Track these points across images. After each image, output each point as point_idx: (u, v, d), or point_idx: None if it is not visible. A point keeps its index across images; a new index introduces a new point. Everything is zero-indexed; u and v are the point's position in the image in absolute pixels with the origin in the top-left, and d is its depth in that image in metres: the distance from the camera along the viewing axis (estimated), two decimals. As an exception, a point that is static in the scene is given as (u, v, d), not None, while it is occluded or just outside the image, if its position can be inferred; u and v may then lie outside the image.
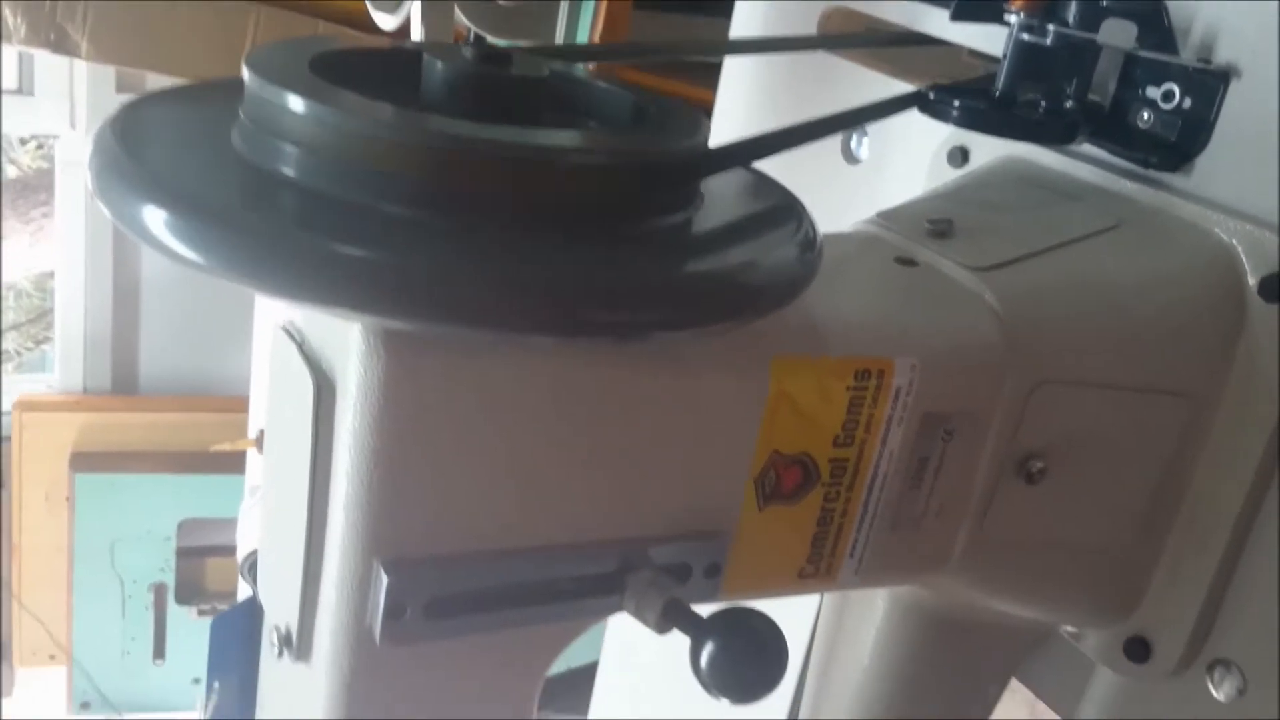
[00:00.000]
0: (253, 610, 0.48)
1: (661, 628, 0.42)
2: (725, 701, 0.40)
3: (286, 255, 0.32)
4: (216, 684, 0.47)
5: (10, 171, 2.98)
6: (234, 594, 2.43)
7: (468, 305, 0.33)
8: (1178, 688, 0.56)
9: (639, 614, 0.43)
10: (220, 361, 2.46)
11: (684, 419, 0.43)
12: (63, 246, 2.48)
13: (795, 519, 0.47)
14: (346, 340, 0.38)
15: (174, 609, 2.38)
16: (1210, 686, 0.55)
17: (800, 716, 0.66)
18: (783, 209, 0.44)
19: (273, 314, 0.43)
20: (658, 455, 0.43)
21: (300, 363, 0.40)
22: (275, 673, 0.48)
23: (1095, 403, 0.50)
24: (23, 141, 3.02)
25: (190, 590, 2.41)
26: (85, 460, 2.26)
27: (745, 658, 0.40)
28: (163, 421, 2.35)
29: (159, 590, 2.36)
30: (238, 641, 0.47)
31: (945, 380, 0.47)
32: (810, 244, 0.42)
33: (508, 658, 0.44)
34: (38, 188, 2.91)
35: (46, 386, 2.46)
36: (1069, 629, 0.59)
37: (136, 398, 2.45)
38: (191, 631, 2.38)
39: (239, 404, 2.13)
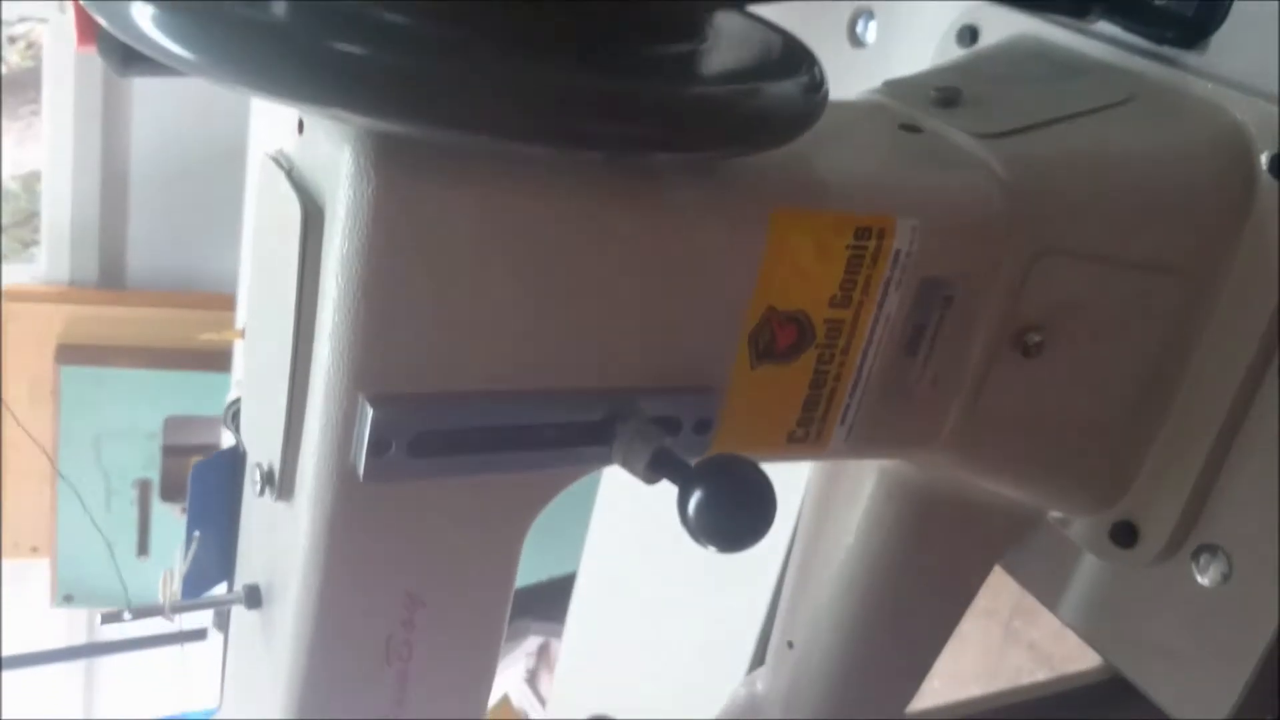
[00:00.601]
0: (235, 459, 0.47)
1: (649, 477, 0.41)
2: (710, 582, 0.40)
3: (282, 48, 0.31)
4: (197, 533, 0.47)
5: (-1, 70, 2.93)
6: (218, 493, 2.44)
7: (457, 105, 0.32)
8: (1162, 574, 0.56)
9: (627, 463, 0.42)
10: (209, 258, 2.44)
11: (681, 265, 0.42)
12: (51, 132, 2.44)
13: (788, 380, 0.46)
14: (337, 164, 0.36)
15: (158, 506, 2.39)
16: (1195, 572, 0.54)
17: (783, 599, 0.66)
18: (793, 54, 0.43)
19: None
20: (652, 301, 0.42)
21: (288, 188, 0.39)
22: (257, 514, 0.48)
23: (1097, 276, 0.50)
24: (11, 40, 2.97)
25: (175, 488, 2.41)
26: (71, 353, 2.24)
27: (733, 503, 0.39)
28: (150, 316, 2.33)
29: (143, 487, 2.36)
30: (219, 490, 0.47)
31: (946, 244, 0.46)
32: (816, 86, 0.40)
33: (493, 505, 0.44)
34: (25, 85, 2.86)
35: (31, 277, 2.44)
36: (1055, 515, 0.59)
37: (124, 292, 2.43)
38: (175, 529, 2.39)
39: (227, 301, 2.12)
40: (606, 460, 0.43)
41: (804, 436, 0.48)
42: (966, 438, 0.51)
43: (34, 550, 2.41)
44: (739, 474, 0.39)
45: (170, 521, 2.39)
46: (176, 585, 0.48)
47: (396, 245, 0.37)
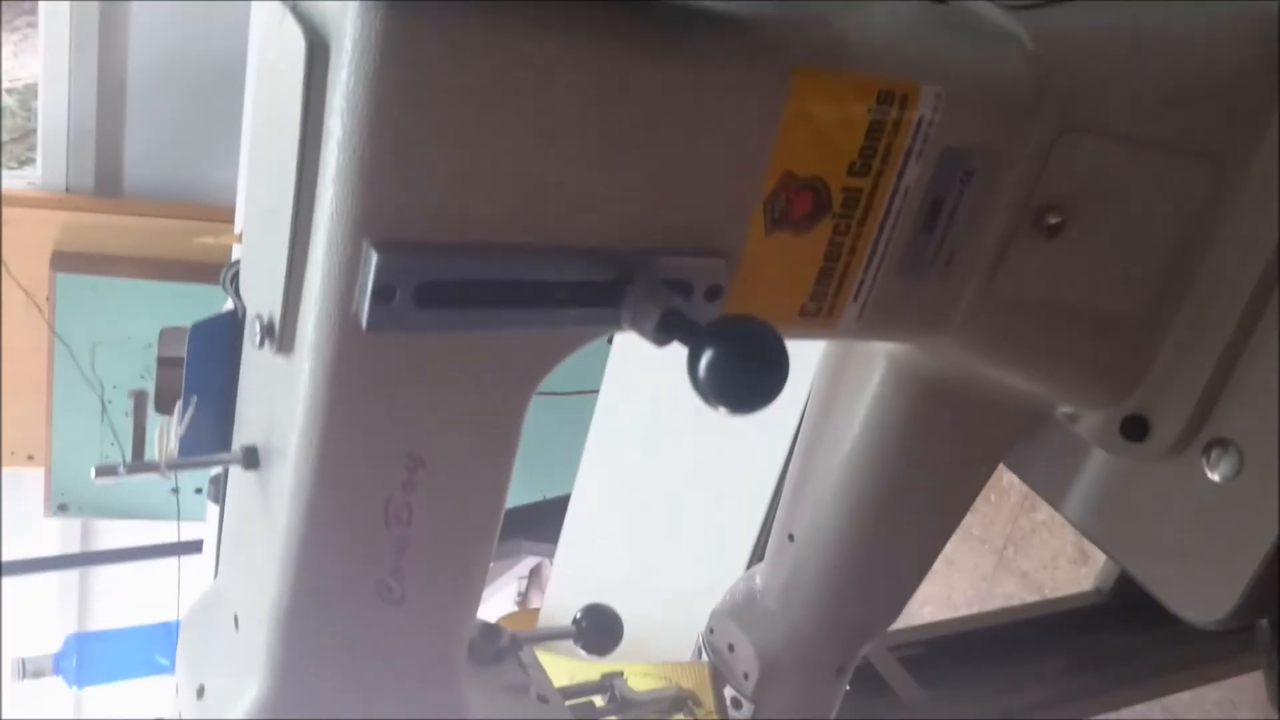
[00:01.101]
0: (234, 323, 0.46)
1: (659, 339, 0.40)
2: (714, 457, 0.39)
3: None
4: (194, 397, 0.46)
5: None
6: (214, 406, 2.42)
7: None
8: (1172, 469, 0.55)
9: (636, 324, 0.41)
10: (207, 170, 2.41)
11: (698, 121, 0.40)
12: (47, 43, 2.40)
13: (802, 249, 0.45)
14: (344, -6, 0.35)
15: (153, 418, 2.38)
16: (1205, 467, 0.54)
17: (785, 492, 0.65)
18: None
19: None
20: (667, 158, 0.41)
21: (293, 23, 0.37)
22: (255, 372, 0.47)
23: (1121, 157, 0.48)
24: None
25: (170, 400, 2.38)
26: (67, 260, 2.22)
27: (746, 361, 0.38)
28: (147, 226, 2.30)
29: (138, 398, 2.35)
30: (217, 353, 0.45)
31: (970, 114, 0.45)
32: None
33: (498, 365, 0.43)
34: (21, -3, 2.82)
35: (28, 183, 2.41)
36: (1065, 410, 0.58)
37: (120, 200, 2.40)
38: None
39: (225, 213, 2.09)
40: (615, 323, 0.42)
41: (816, 311, 0.47)
42: (980, 322, 0.50)
43: (30, 459, 2.40)
44: (752, 331, 0.38)
45: (165, 433, 2.39)
46: (173, 444, 0.47)
47: (405, 81, 0.36)
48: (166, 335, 2.33)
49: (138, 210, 2.35)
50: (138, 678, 2.04)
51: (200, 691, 0.52)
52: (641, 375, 1.37)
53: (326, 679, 0.49)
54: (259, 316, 0.42)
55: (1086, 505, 0.60)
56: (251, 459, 0.46)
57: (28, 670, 1.98)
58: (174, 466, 0.47)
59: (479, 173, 0.38)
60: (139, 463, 0.46)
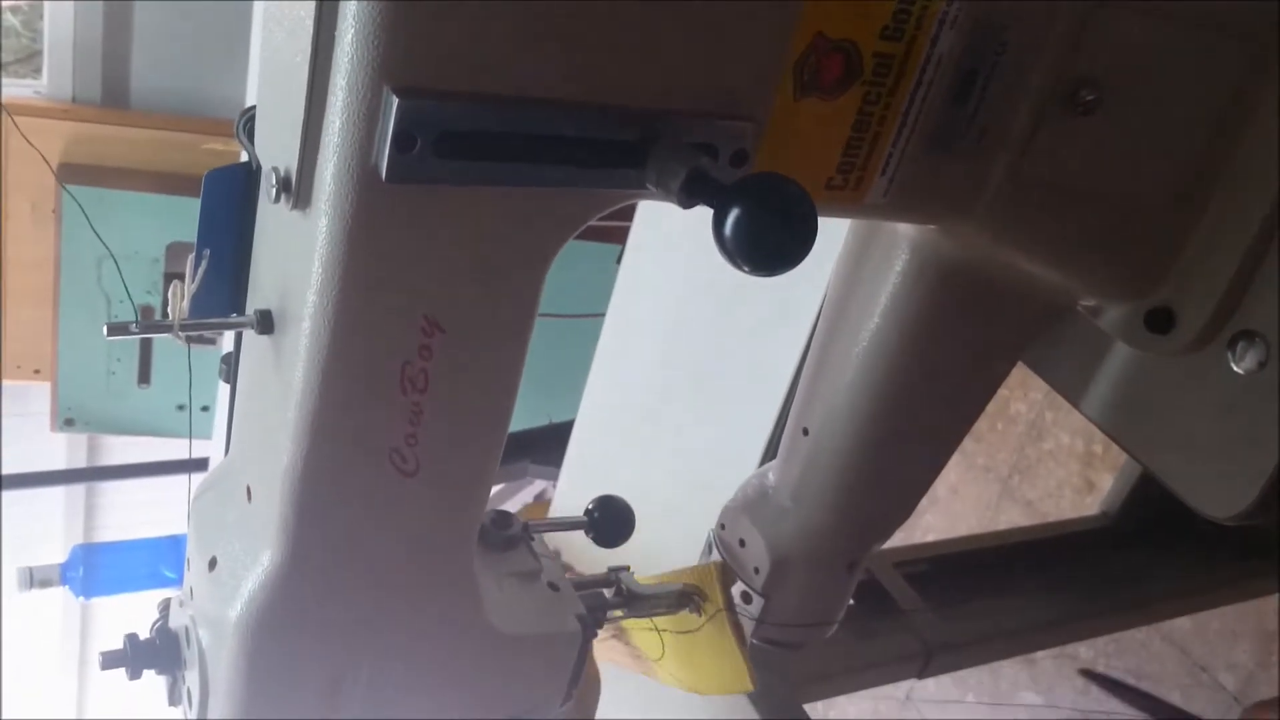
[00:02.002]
0: (248, 175, 0.45)
1: (684, 200, 0.39)
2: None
3: None
4: (206, 251, 0.45)
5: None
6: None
7: None
8: (1196, 362, 0.54)
9: (661, 184, 0.40)
10: (215, 83, 2.38)
11: (727, -27, 0.39)
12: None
13: (831, 117, 0.44)
14: None
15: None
16: (1230, 360, 0.53)
17: (800, 386, 0.65)
18: None
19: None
20: (694, 12, 0.39)
21: None
22: (271, 230, 0.46)
23: (1158, 33, 0.47)
24: None
25: (177, 316, 2.38)
26: (73, 172, 2.20)
27: (775, 218, 0.37)
28: (154, 139, 2.28)
29: (145, 313, 2.34)
30: (231, 205, 0.44)
31: (1007, -20, 0.44)
32: None
33: (518, 226, 0.42)
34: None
35: (34, 92, 2.38)
36: (1087, 303, 0.57)
37: (128, 112, 2.38)
38: (177, 358, 2.38)
39: (232, 127, 2.07)
40: (639, 184, 0.41)
41: (843, 184, 0.46)
42: (1008, 204, 0.49)
43: (36, 373, 2.40)
44: (779, 188, 0.37)
45: (172, 350, 2.38)
46: (185, 302, 0.46)
47: (429, -83, 0.34)
48: (174, 251, 2.32)
49: (144, 123, 2.33)
50: (144, 590, 2.05)
51: (213, 563, 0.52)
52: (649, 297, 1.36)
53: (339, 550, 0.48)
54: (275, 170, 0.41)
55: (1107, 402, 0.59)
56: (266, 323, 0.46)
57: (34, 580, 1.99)
58: (187, 328, 0.46)
59: (504, 19, 0.37)
60: (151, 321, 0.45)
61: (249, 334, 0.48)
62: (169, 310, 0.46)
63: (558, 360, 1.98)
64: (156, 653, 0.56)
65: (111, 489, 3.03)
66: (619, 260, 1.57)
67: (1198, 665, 1.52)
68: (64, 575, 2.01)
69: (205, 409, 2.08)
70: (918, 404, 0.60)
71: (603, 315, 1.51)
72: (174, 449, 2.43)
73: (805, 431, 0.64)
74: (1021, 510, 1.82)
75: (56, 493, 2.96)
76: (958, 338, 0.58)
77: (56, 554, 2.38)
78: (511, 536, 0.61)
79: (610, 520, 0.65)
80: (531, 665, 0.59)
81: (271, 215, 0.45)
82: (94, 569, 2.02)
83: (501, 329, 0.45)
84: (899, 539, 0.73)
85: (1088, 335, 0.59)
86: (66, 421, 2.41)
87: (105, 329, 0.44)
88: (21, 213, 2.23)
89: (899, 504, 0.66)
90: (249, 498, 0.50)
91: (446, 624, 0.53)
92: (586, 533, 0.65)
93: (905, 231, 0.55)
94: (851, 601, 0.77)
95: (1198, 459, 0.55)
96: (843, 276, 0.60)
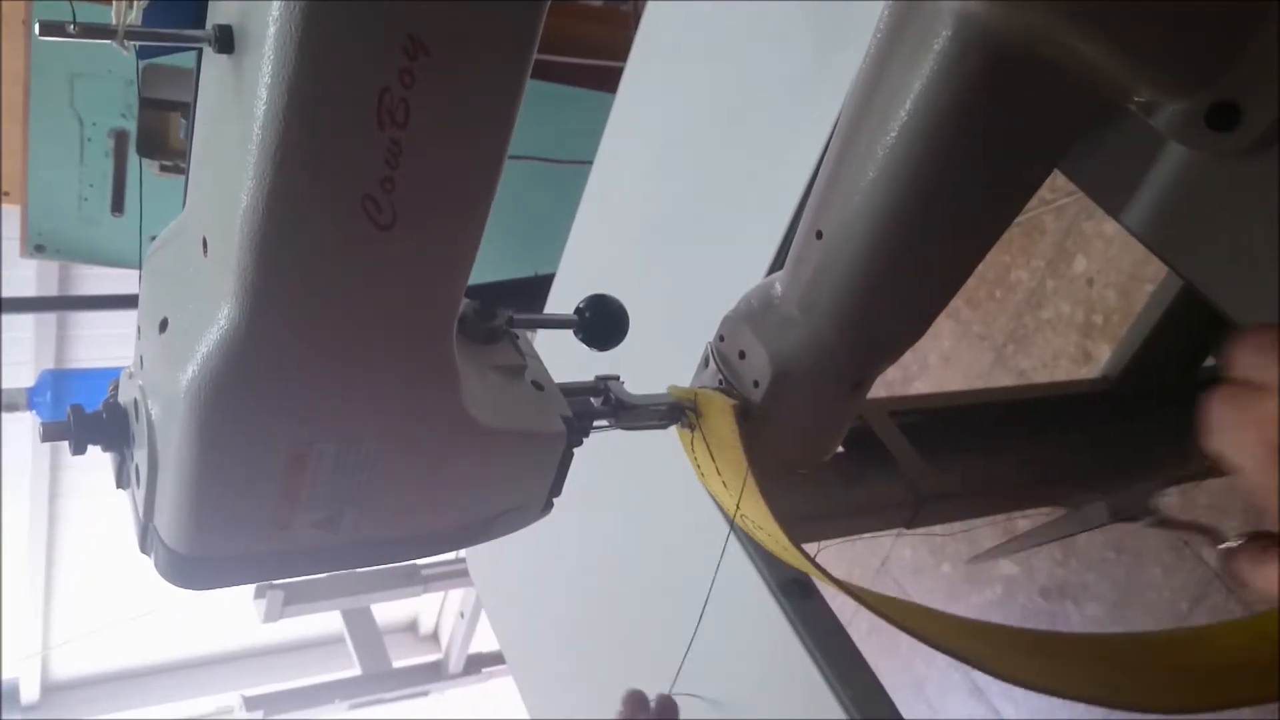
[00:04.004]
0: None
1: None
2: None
3: None
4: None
5: None
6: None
7: None
8: (1255, 165, 0.49)
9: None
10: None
11: None
12: None
13: None
14: None
15: (134, 161, 2.29)
16: (1297, 161, 0.48)
17: (816, 188, 0.59)
18: None
19: None
20: None
21: None
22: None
23: None
24: None
25: (152, 143, 2.30)
26: (45, -19, 2.10)
27: None
28: (130, -49, 2.17)
29: (119, 138, 2.26)
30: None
31: None
32: None
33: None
34: None
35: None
36: (1140, 99, 0.52)
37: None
38: (152, 188, 2.30)
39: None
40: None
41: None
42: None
43: (6, 195, 2.32)
44: None
45: (147, 179, 2.30)
46: (135, 13, 0.40)
47: None
48: (150, 74, 2.22)
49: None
50: (114, 420, 2.02)
51: (164, 325, 0.47)
52: (645, 132, 1.29)
53: (303, 309, 0.43)
54: None
55: (1151, 211, 0.54)
56: (225, 40, 0.40)
57: (3, 403, 1.95)
58: (133, 37, 0.40)
59: None
60: (92, 25, 0.39)
61: (208, 56, 0.42)
62: (114, 15, 0.40)
63: (544, 209, 1.92)
64: (101, 427, 0.51)
65: (83, 320, 2.98)
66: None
67: (1181, 540, 1.51)
68: (31, 400, 1.97)
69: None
70: (945, 209, 0.55)
71: (590, 163, 1.45)
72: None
73: (819, 235, 0.58)
74: (1014, 380, 1.78)
75: (26, 321, 2.91)
76: (998, 132, 0.52)
77: (25, 383, 2.33)
78: (495, 328, 0.57)
79: (601, 320, 0.60)
80: (511, 464, 0.55)
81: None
82: (62, 395, 1.98)
83: (497, 53, 0.39)
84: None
85: (1135, 139, 0.54)
86: (37, 247, 2.34)
87: (37, 27, 0.38)
88: (-11, 24, 2.13)
89: (913, 319, 0.61)
90: (204, 250, 0.45)
91: (421, 405, 0.49)
92: (576, 333, 0.61)
93: (950, 4, 0.49)
94: (841, 448, 0.73)
95: (1249, 270, 0.51)
96: (873, 60, 0.54)
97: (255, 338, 0.43)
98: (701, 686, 1.16)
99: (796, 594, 1.10)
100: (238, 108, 0.40)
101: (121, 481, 0.53)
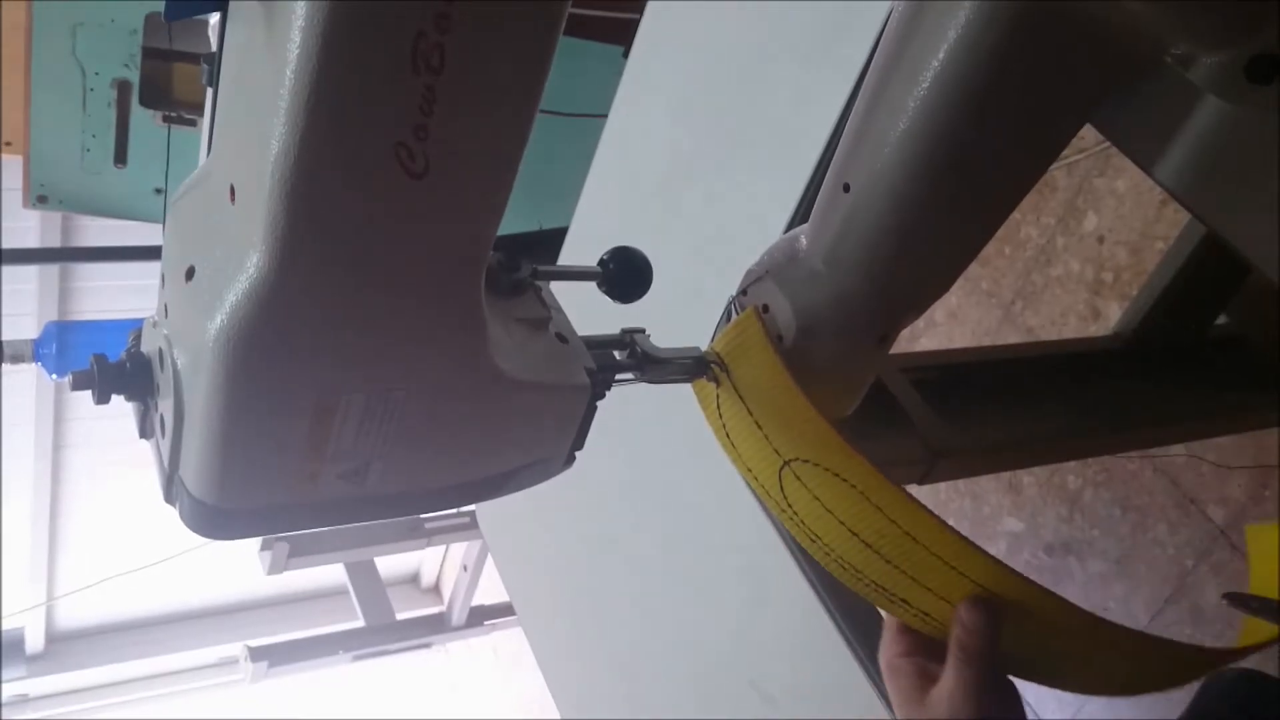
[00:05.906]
0: None
1: None
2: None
3: None
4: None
5: None
6: (201, 105, 2.32)
7: None
8: (1295, 119, 0.49)
9: None
10: None
11: None
12: None
13: None
14: None
15: (137, 112, 2.27)
16: (1338, 116, 0.47)
17: (843, 141, 0.58)
18: None
19: None
20: None
21: None
22: None
23: None
24: None
25: (155, 94, 2.28)
26: (47, -71, 2.07)
27: None
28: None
29: (122, 88, 2.24)
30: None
31: None
32: None
33: None
34: None
35: None
36: (1178, 52, 0.51)
37: None
38: (154, 138, 2.29)
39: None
40: None
41: None
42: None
43: (8, 145, 2.31)
44: None
45: (150, 130, 2.29)
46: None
47: None
48: (153, 23, 2.20)
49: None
50: (119, 371, 2.01)
51: (190, 273, 0.46)
52: (663, 86, 1.28)
53: (334, 258, 0.43)
54: None
55: (1185, 165, 0.54)
56: (258, -20, 0.39)
57: (6, 354, 1.94)
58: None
59: None
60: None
61: (235, 4, 0.41)
62: None
63: (546, 164, 1.90)
64: (125, 377, 0.51)
65: (86, 272, 2.96)
66: (626, 54, 1.48)
67: (1187, 497, 1.51)
68: (37, 351, 1.97)
69: (184, 193, 2.00)
70: (974, 162, 0.55)
71: (596, 116, 1.44)
72: (150, 234, 2.35)
73: (846, 188, 0.58)
74: (1022, 337, 1.78)
75: (29, 273, 2.89)
76: (1031, 83, 0.52)
77: (28, 334, 2.32)
78: (519, 280, 0.56)
79: (626, 271, 0.60)
80: (536, 416, 0.54)
81: None
82: (67, 347, 1.98)
83: (528, 6, 0.39)
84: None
85: (1171, 92, 0.53)
86: (39, 198, 2.32)
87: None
88: (-10, -29, 2.11)
89: (941, 273, 0.61)
90: (232, 198, 0.45)
91: (450, 355, 0.48)
92: (599, 285, 0.60)
93: (986, -51, 0.48)
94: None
95: (1283, 226, 0.50)
96: (907, 8, 0.53)
97: (285, 286, 0.42)
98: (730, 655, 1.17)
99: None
100: (269, 51, 0.39)
101: (145, 431, 0.52)
